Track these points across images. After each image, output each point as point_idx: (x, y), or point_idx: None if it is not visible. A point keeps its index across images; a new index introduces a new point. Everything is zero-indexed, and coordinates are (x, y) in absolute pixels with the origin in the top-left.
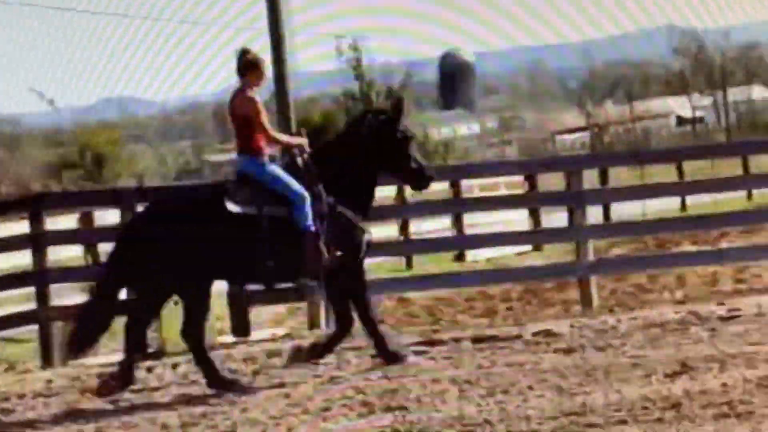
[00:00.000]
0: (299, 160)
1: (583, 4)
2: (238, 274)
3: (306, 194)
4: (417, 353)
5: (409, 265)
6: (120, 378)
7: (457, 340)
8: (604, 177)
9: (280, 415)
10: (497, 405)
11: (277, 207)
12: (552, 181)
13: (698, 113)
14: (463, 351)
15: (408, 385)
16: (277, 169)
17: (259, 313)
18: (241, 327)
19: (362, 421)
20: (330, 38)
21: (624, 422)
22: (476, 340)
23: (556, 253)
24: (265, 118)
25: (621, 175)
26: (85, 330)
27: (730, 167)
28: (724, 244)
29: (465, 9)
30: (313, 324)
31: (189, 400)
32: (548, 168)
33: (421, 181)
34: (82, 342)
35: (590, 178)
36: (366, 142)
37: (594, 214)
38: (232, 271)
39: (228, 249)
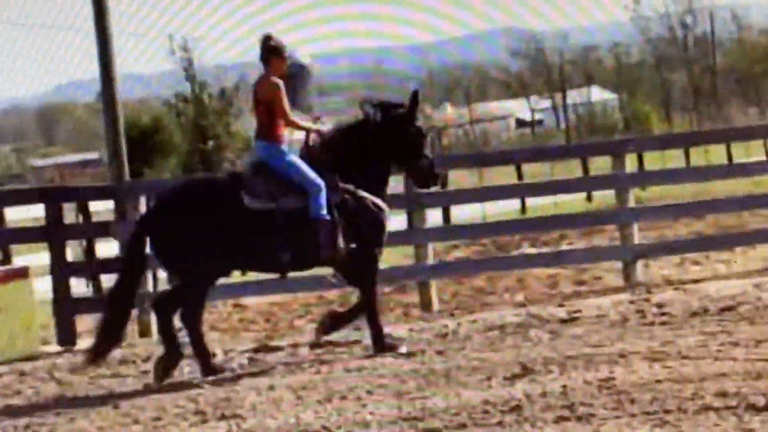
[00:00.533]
0: (316, 149)
1: (422, 5)
2: (254, 264)
3: (321, 184)
4: (252, 360)
5: None
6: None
7: (294, 345)
8: (443, 180)
9: (110, 425)
10: (335, 411)
11: (292, 198)
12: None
13: (537, 116)
14: (300, 357)
15: (242, 392)
16: (294, 158)
17: (84, 322)
18: (66, 336)
19: (196, 430)
20: (162, 39)
21: (464, 426)
22: (314, 345)
23: (395, 257)
24: (286, 104)
25: (460, 178)
26: (109, 326)
27: (570, 169)
28: (564, 246)
29: (303, 10)
30: (143, 333)
31: (12, 412)
32: None
33: (427, 179)
34: (108, 340)
35: None
36: (380, 133)
37: (433, 217)
38: (249, 261)
39: (244, 241)
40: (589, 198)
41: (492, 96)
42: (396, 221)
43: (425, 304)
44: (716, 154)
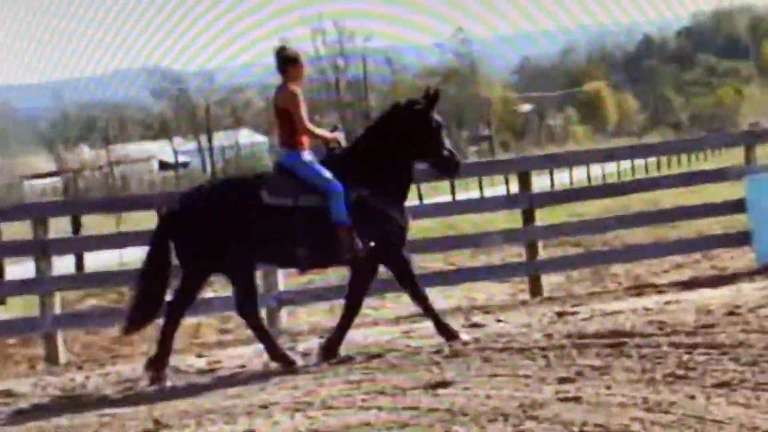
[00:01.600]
0: (336, 154)
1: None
2: (273, 258)
3: (340, 188)
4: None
5: None
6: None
7: None
8: (77, 225)
9: None
10: None
11: (312, 197)
12: (19, 230)
13: (183, 158)
14: None
15: None
16: (314, 163)
17: None
18: None
19: None
20: None
21: None
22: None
23: (22, 307)
24: (304, 112)
25: (95, 223)
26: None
27: None
28: (208, 294)
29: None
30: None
31: None
32: (9, 217)
33: (451, 167)
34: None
35: (63, 226)
36: (401, 131)
37: (67, 264)
38: (268, 255)
39: (262, 235)
40: None
41: (132, 137)
42: (23, 269)
43: (51, 357)
44: None
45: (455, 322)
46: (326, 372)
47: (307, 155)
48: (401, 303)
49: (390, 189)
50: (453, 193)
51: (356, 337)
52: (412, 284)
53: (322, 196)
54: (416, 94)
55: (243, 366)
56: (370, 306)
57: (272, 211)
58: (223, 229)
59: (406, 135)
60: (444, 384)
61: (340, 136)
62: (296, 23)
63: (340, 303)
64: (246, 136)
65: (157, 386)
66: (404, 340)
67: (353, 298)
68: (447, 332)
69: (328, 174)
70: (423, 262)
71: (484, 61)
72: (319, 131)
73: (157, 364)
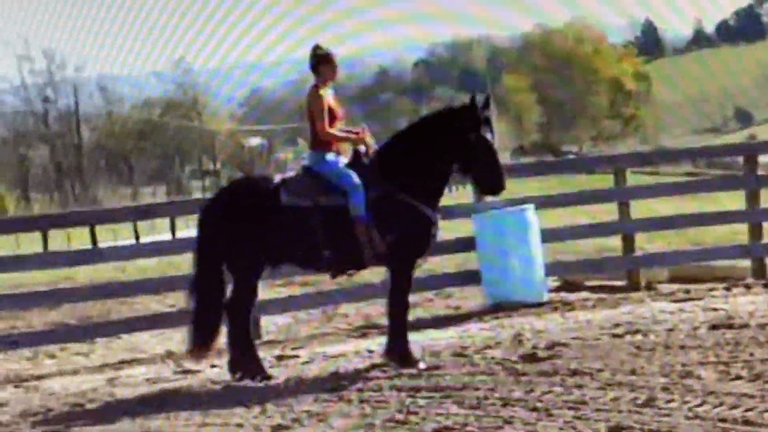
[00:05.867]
0: (362, 155)
1: None
2: (298, 260)
3: (360, 184)
4: None
5: None
6: (250, 370)
7: None
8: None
9: None
10: None
11: (331, 196)
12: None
13: None
14: None
15: None
16: (336, 162)
17: None
18: None
19: None
20: None
21: None
22: None
23: None
24: (323, 114)
25: None
26: (203, 331)
27: None
28: None
29: None
30: None
31: None
32: None
33: (491, 186)
34: (205, 344)
35: None
36: (444, 137)
37: None
38: (291, 258)
39: (280, 237)
40: None
41: None
42: None
43: None
44: (80, 237)
45: (167, 369)
46: (20, 425)
47: (331, 155)
48: (112, 348)
49: (421, 188)
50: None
51: (54, 386)
52: (399, 296)
53: (343, 196)
54: (134, 126)
55: None
56: (80, 352)
57: (291, 212)
58: (237, 229)
59: (447, 141)
60: None
61: (365, 131)
62: None
63: (48, 350)
64: None
65: (259, 380)
66: (108, 388)
67: (391, 299)
68: (403, 356)
69: (347, 171)
70: (139, 304)
71: (208, 92)
72: (340, 133)
73: (241, 363)
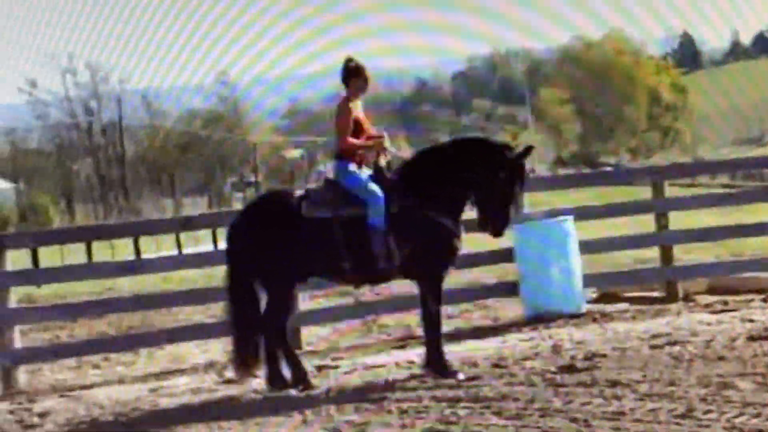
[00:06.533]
0: (383, 164)
1: None
2: (322, 272)
3: (380, 195)
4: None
5: None
6: (298, 378)
7: None
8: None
9: None
10: None
11: (351, 208)
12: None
13: None
14: None
15: None
16: (358, 173)
17: None
18: None
19: None
20: None
21: None
22: None
23: None
24: (348, 125)
25: None
26: (244, 344)
27: None
28: None
29: None
30: None
31: None
32: None
33: (495, 229)
34: (247, 358)
35: None
36: (476, 166)
37: None
38: (315, 269)
39: (304, 249)
40: None
41: None
42: None
43: None
44: (123, 248)
45: (209, 379)
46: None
47: (353, 166)
48: (153, 358)
49: (443, 201)
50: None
51: (99, 395)
52: (434, 305)
53: (364, 207)
54: (177, 139)
55: None
56: (123, 362)
57: (312, 224)
58: (265, 244)
59: (482, 172)
60: None
61: (381, 140)
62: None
63: (91, 360)
64: None
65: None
66: (151, 397)
67: (423, 312)
68: (440, 367)
69: (368, 182)
70: (182, 314)
71: (249, 104)
72: (360, 142)
73: (278, 377)
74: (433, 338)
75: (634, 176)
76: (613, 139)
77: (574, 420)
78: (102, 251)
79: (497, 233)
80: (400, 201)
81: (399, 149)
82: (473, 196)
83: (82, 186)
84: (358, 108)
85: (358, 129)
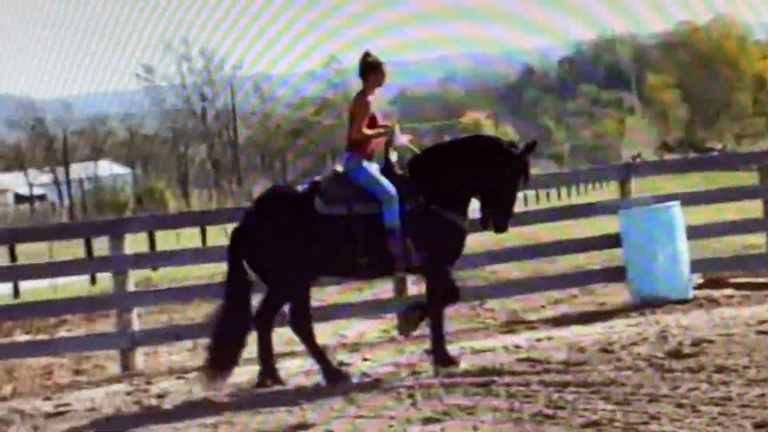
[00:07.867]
0: (393, 160)
1: None
2: (335, 269)
3: (394, 193)
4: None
5: None
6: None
7: None
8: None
9: None
10: None
11: (366, 204)
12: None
13: (39, 190)
14: None
15: None
16: (371, 168)
17: None
18: None
19: None
20: None
21: None
22: None
23: None
24: (364, 118)
25: None
26: (222, 347)
27: (73, 249)
28: (62, 333)
29: None
30: None
31: None
32: None
33: (497, 225)
34: (222, 362)
35: None
36: (483, 164)
37: None
38: (329, 267)
39: (319, 245)
40: (93, 280)
41: None
42: None
43: None
44: None
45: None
46: (181, 416)
47: (366, 161)
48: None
49: (453, 199)
50: None
51: None
52: (439, 300)
53: (375, 203)
54: (288, 125)
55: (92, 409)
56: None
57: (326, 220)
58: (276, 241)
59: (479, 167)
60: (305, 426)
61: (392, 129)
62: (160, 50)
63: (202, 341)
64: (106, 168)
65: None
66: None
67: (429, 305)
68: (445, 358)
69: (382, 179)
70: None
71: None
72: (369, 132)
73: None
74: (437, 332)
75: (742, 161)
76: (719, 124)
77: (680, 405)
78: (215, 235)
79: (502, 229)
80: (413, 199)
81: (403, 132)
82: (479, 193)
83: (196, 171)
84: (373, 102)
85: (370, 124)
